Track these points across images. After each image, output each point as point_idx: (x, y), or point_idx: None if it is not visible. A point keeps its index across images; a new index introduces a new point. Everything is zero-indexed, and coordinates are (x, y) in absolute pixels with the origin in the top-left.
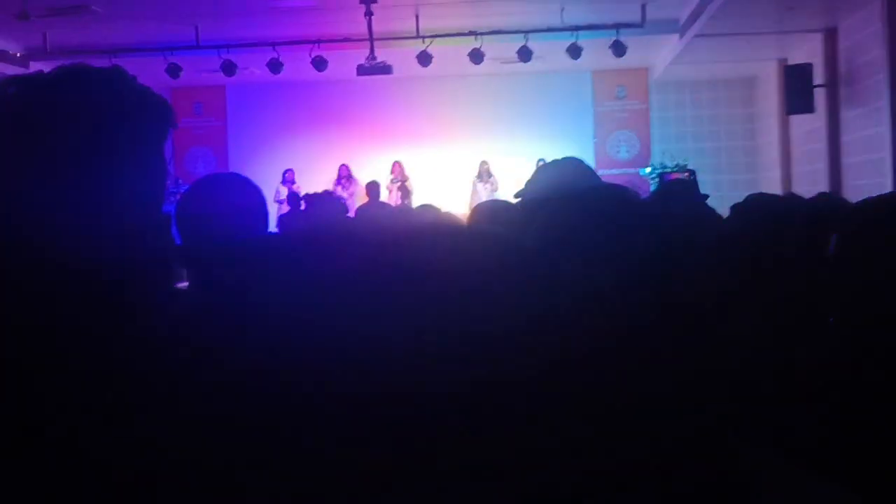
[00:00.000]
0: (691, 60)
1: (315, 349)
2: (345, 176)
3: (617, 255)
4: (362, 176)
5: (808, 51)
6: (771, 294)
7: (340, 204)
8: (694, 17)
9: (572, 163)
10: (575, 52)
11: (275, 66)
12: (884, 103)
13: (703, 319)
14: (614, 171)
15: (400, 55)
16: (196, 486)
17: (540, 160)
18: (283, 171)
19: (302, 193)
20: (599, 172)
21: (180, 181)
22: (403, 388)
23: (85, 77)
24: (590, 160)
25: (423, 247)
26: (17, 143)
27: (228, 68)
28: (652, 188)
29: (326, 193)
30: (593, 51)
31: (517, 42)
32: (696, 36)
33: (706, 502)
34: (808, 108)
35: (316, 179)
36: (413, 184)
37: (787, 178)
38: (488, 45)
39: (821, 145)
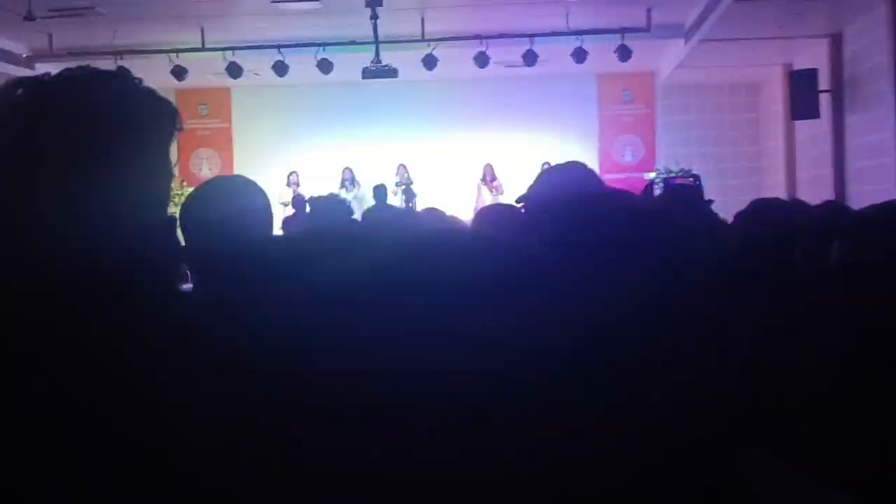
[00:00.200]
0: (696, 65)
1: (320, 351)
2: (349, 179)
3: (620, 261)
4: (367, 179)
5: (813, 56)
6: (775, 301)
7: (345, 207)
8: (699, 21)
9: (576, 168)
10: (580, 55)
11: (280, 68)
12: (888, 108)
13: (706, 325)
14: (619, 176)
15: (405, 58)
16: (198, 483)
17: (545, 164)
18: (288, 173)
19: (307, 196)
20: (604, 176)
21: (185, 183)
22: (408, 389)
23: (90, 79)
24: (594, 164)
25: (429, 251)
26: (23, 145)
27: (234, 70)
28: (656, 193)
29: (331, 196)
30: (599, 55)
31: (522, 46)
32: (702, 40)
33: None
34: (813, 113)
35: (321, 182)
36: (418, 187)
37: (791, 183)
38: (493, 49)
39: (825, 150)
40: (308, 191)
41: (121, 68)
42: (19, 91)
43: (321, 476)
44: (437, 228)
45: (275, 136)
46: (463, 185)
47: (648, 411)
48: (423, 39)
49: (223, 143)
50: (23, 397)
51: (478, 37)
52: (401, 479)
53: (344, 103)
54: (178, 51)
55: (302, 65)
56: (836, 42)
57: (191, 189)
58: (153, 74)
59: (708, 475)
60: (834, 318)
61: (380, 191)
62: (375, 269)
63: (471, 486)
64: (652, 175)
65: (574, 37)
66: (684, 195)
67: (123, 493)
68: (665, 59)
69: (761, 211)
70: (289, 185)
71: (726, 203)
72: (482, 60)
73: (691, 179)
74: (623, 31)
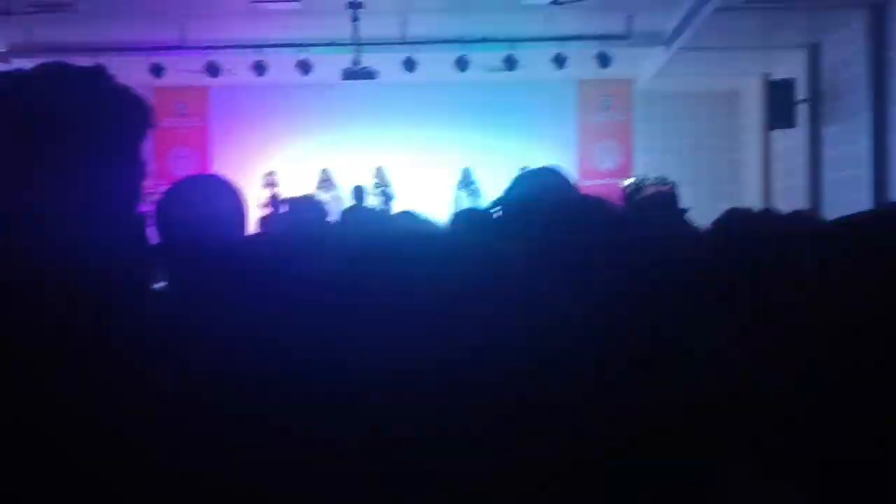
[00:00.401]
0: (676, 73)
1: (294, 351)
2: (327, 180)
3: (594, 266)
4: (346, 180)
5: (791, 66)
6: (747, 309)
7: (321, 208)
8: (679, 30)
9: (549, 173)
10: (560, 61)
11: (259, 68)
12: (864, 120)
13: (678, 328)
14: (597, 182)
15: (386, 60)
16: (173, 487)
17: (524, 168)
18: (265, 173)
19: (284, 196)
20: (582, 183)
21: (161, 181)
22: (383, 389)
23: (63, 74)
24: (573, 169)
25: (404, 252)
26: None
27: (212, 70)
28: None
29: (307, 197)
30: (579, 61)
31: (503, 50)
32: (681, 49)
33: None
34: (789, 123)
35: (299, 182)
36: (396, 189)
37: (767, 192)
38: (474, 53)
39: (802, 160)
40: (286, 191)
41: (96, 65)
42: None
43: (294, 472)
44: (411, 230)
45: (253, 136)
46: (441, 189)
47: (619, 415)
48: (403, 42)
49: (201, 141)
50: None
51: (458, 41)
52: (374, 476)
53: (323, 104)
54: (156, 49)
55: (281, 65)
56: (815, 52)
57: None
58: (131, 72)
59: (674, 479)
60: (803, 326)
61: (358, 192)
62: (348, 270)
63: (438, 483)
64: (629, 181)
65: (554, 42)
66: (660, 202)
67: (95, 493)
68: (645, 66)
69: (735, 219)
70: (266, 185)
71: (704, 211)
72: (462, 64)
73: (667, 187)
74: (603, 38)
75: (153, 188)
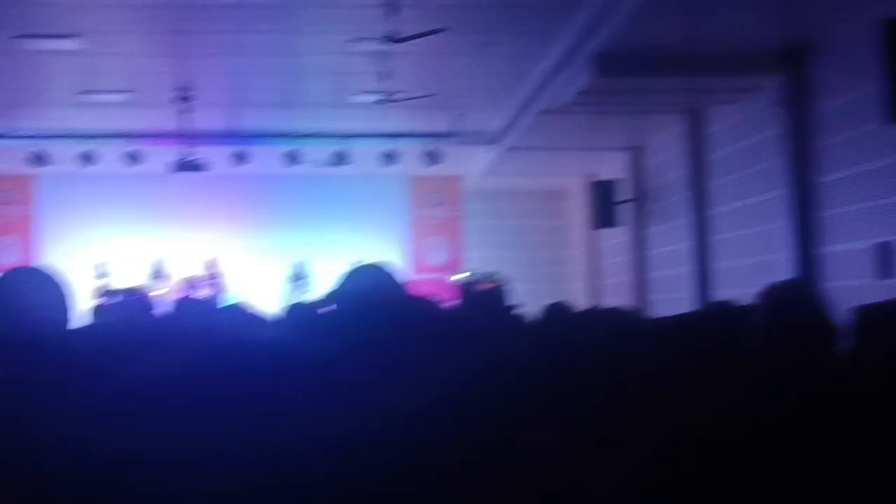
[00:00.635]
0: (505, 171)
1: (120, 450)
2: (158, 270)
3: (416, 366)
4: (178, 271)
5: (615, 167)
6: (574, 404)
7: (145, 301)
8: (507, 129)
9: (376, 270)
10: (391, 158)
11: (87, 158)
12: (685, 221)
13: (506, 429)
14: (428, 276)
15: (216, 152)
16: None
17: (355, 263)
18: (96, 263)
19: (114, 287)
20: (414, 277)
21: None
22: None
23: None
24: (406, 263)
25: (223, 361)
26: None
27: (38, 159)
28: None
29: (137, 289)
30: (411, 158)
31: (333, 146)
32: (509, 148)
33: None
34: (611, 223)
35: (131, 273)
36: (228, 281)
37: (595, 289)
38: (305, 147)
39: (627, 258)
40: (117, 281)
41: None
42: None
43: None
44: (236, 339)
45: (84, 225)
46: (273, 281)
47: None
48: (233, 136)
49: (28, 230)
50: None
51: (287, 135)
52: None
53: (154, 195)
54: None
55: (110, 155)
56: (638, 154)
57: None
58: None
59: None
60: (638, 422)
61: (190, 283)
62: (172, 368)
63: None
64: (463, 276)
65: (384, 138)
66: (489, 299)
67: None
68: (474, 164)
69: (556, 314)
70: (98, 275)
71: (533, 307)
72: (293, 158)
73: (495, 284)
74: (432, 136)
75: None
